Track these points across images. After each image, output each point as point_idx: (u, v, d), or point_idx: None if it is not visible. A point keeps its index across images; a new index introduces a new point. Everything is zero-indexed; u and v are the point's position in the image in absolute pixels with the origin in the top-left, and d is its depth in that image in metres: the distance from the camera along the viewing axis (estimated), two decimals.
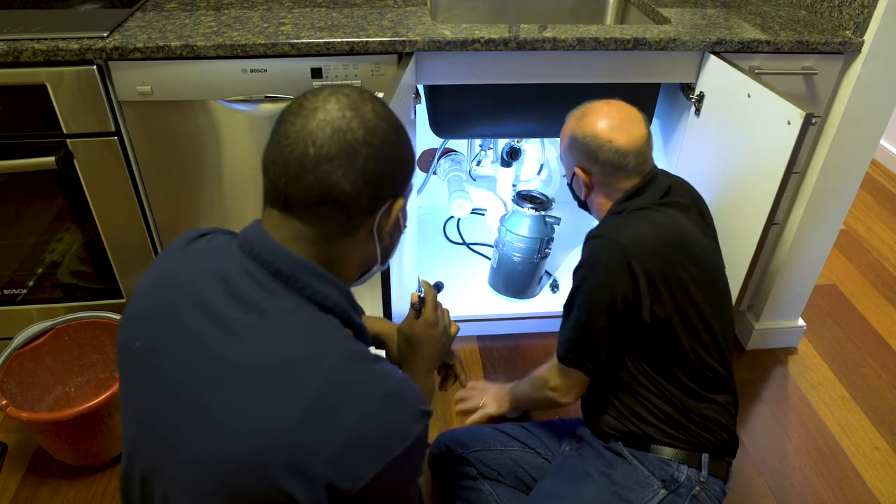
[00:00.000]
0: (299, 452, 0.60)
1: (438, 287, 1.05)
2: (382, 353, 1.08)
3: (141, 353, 0.70)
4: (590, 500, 1.09)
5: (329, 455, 0.60)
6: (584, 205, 1.27)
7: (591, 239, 1.11)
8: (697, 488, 1.08)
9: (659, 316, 1.07)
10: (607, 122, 1.14)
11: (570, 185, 1.26)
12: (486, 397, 1.56)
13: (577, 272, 1.12)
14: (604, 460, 1.13)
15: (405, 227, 0.79)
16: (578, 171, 1.19)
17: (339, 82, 1.36)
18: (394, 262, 1.31)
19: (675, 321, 1.08)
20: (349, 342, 0.67)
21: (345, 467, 0.60)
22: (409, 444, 0.64)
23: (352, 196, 0.66)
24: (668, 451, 1.10)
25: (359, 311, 0.75)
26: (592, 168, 1.18)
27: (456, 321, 1.82)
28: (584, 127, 1.16)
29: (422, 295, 0.99)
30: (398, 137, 0.70)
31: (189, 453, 0.63)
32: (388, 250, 0.78)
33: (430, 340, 0.98)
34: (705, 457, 1.10)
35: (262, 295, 0.66)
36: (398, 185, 0.71)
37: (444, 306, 1.02)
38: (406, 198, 0.74)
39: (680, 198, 1.17)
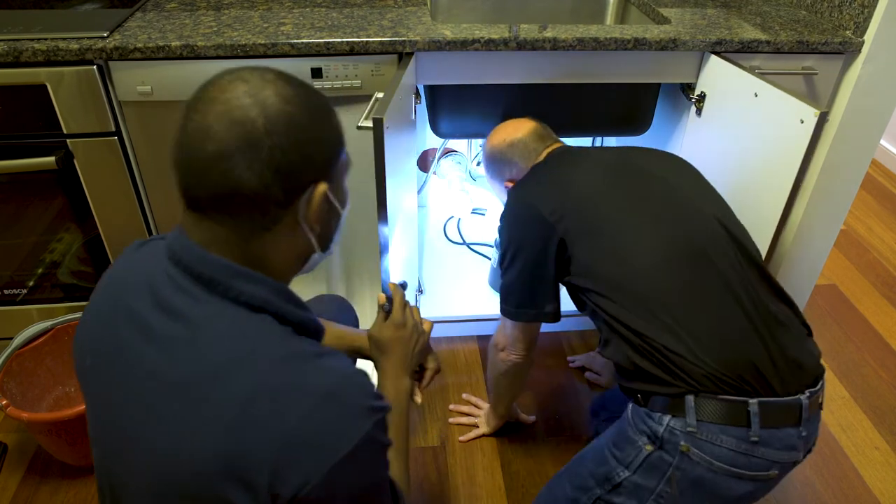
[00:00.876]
0: (237, 462, 0.58)
1: (403, 286, 1.02)
2: (370, 368, 1.06)
3: (90, 369, 0.69)
4: (590, 458, 1.07)
5: (268, 462, 0.58)
6: None
7: (507, 194, 1.18)
8: (684, 443, 0.93)
9: (571, 255, 1.06)
10: (494, 134, 1.32)
11: None
12: (480, 416, 1.57)
13: (498, 227, 1.19)
14: (619, 418, 1.08)
15: (345, 208, 0.74)
16: (508, 184, 1.29)
17: (340, 83, 1.37)
18: (394, 263, 1.31)
19: (590, 250, 1.04)
20: (283, 341, 0.64)
21: (285, 474, 0.58)
22: (354, 445, 0.60)
23: (261, 191, 0.61)
24: (657, 401, 0.98)
25: (300, 304, 0.70)
26: (512, 171, 1.28)
27: (456, 321, 1.85)
28: (486, 152, 1.33)
29: (390, 295, 0.97)
30: (311, 119, 0.64)
31: (137, 472, 0.63)
32: (326, 237, 0.73)
33: (399, 342, 0.95)
34: (689, 399, 0.93)
35: (186, 301, 0.64)
36: (317, 170, 0.65)
37: (413, 304, 1.00)
38: (333, 180, 0.69)
39: (607, 149, 1.21)
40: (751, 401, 0.92)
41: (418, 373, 1.12)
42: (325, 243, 0.73)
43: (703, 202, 1.08)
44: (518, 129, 1.28)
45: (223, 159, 0.60)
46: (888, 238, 2.39)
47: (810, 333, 1.04)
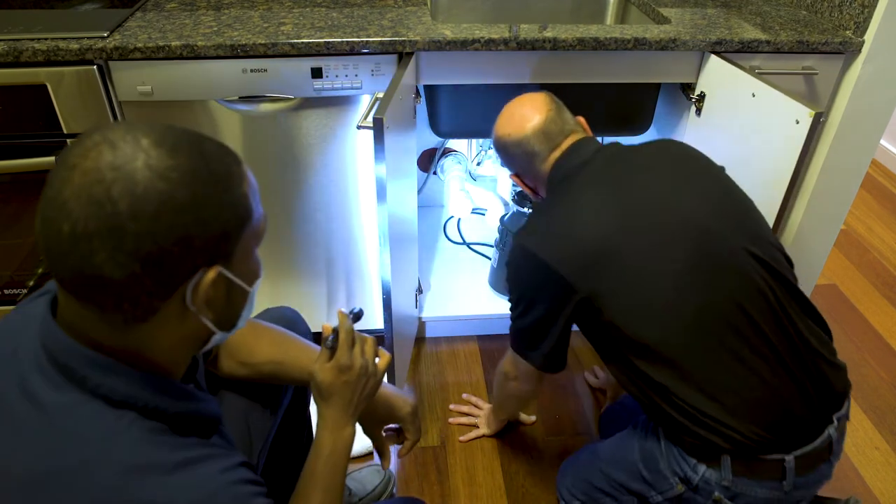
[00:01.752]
0: None
1: (357, 316, 0.88)
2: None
3: None
4: (623, 469, 1.06)
5: None
6: None
7: (514, 240, 1.07)
8: (717, 493, 0.94)
9: (601, 309, 0.97)
10: (502, 120, 1.15)
11: (529, 198, 1.24)
12: (480, 417, 1.57)
13: (506, 273, 1.09)
14: (647, 430, 1.06)
15: (254, 281, 0.64)
16: (511, 177, 1.21)
17: (340, 83, 1.37)
18: (394, 264, 1.31)
19: (619, 310, 0.96)
20: (140, 446, 0.55)
21: None
22: None
23: (127, 283, 0.52)
24: (691, 447, 0.97)
25: (183, 394, 0.61)
26: (517, 168, 1.18)
27: (456, 320, 1.85)
28: (493, 138, 1.18)
29: (336, 327, 0.84)
30: (193, 197, 0.53)
31: None
32: (230, 318, 0.63)
33: (344, 388, 0.82)
34: (725, 459, 0.93)
35: (44, 386, 0.56)
36: (202, 255, 0.55)
37: (364, 336, 0.87)
38: (232, 260, 0.58)
39: (621, 156, 1.06)
40: (787, 457, 0.93)
41: (395, 431, 1.04)
42: (228, 324, 0.64)
43: (730, 228, 0.97)
44: (524, 123, 1.11)
45: (80, 242, 0.50)
46: (888, 238, 2.39)
47: (831, 338, 1.03)
